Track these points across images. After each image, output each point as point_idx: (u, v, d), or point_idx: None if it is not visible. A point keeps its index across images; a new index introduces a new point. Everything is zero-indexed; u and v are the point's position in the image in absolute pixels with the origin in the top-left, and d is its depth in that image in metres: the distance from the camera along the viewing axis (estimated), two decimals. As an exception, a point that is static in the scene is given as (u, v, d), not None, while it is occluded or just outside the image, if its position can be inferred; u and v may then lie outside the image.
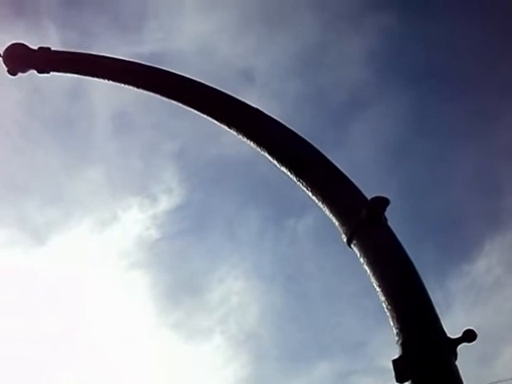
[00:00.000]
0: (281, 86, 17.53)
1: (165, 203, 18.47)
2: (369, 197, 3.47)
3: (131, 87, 4.44)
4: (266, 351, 19.75)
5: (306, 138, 3.82)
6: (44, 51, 4.80)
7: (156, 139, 17.94)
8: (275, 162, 3.76)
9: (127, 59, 4.64)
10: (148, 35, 15.69)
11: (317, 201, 3.61)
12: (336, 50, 17.19)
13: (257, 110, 3.95)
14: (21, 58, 4.86)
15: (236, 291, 19.90)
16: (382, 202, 3.39)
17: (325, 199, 3.54)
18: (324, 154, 3.75)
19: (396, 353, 3.03)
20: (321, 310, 19.66)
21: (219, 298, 19.59)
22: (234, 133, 3.89)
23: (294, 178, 3.68)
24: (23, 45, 4.91)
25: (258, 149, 3.81)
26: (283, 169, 3.75)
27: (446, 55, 16.88)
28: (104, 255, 19.60)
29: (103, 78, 4.54)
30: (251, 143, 3.83)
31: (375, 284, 3.31)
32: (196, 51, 16.40)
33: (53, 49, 4.85)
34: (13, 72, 4.91)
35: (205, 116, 4.20)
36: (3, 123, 16.76)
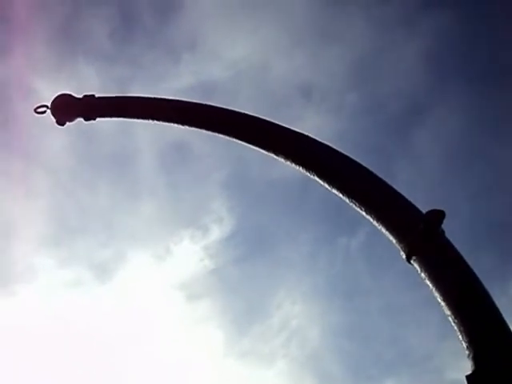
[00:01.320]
0: (338, 99, 17.44)
1: (216, 233, 18.56)
2: (424, 210, 3.45)
3: (176, 125, 4.53)
4: (330, 372, 19.50)
5: (355, 158, 3.83)
6: (89, 99, 4.93)
7: (202, 170, 18.10)
8: (326, 185, 3.77)
9: (170, 98, 4.74)
10: (194, 64, 16.01)
11: (371, 220, 3.60)
12: (391, 56, 16.94)
13: (302, 134, 3.97)
14: (67, 108, 5.00)
15: (295, 315, 19.77)
16: (437, 215, 3.36)
17: (379, 218, 3.53)
18: (374, 171, 3.75)
19: (466, 364, 2.97)
20: (382, 326, 19.34)
21: (279, 323, 19.48)
22: (282, 160, 3.92)
23: (347, 199, 3.68)
24: (68, 95, 5.06)
25: (308, 173, 3.83)
26: (334, 191, 3.76)
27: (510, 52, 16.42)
28: (160, 290, 19.74)
29: (148, 118, 4.64)
30: (300, 168, 3.85)
31: (439, 298, 3.27)
32: (249, 72, 16.58)
33: (97, 95, 4.98)
34: (61, 122, 5.06)
35: (252, 146, 4.24)
36: (53, 168, 17.23)
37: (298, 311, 19.58)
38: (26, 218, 17.55)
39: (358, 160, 3.84)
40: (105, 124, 5.29)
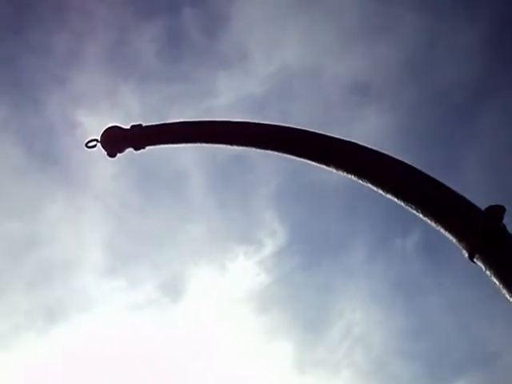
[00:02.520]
0: (396, 94, 17.21)
1: (270, 246, 18.58)
2: (483, 207, 3.41)
3: (225, 145, 4.58)
4: (398, 378, 19.22)
5: (405, 160, 3.81)
6: (137, 129, 5.01)
7: (250, 185, 18.18)
8: (380, 191, 3.76)
9: (216, 120, 4.79)
10: (246, 74, 16.13)
11: (429, 221, 3.57)
12: (447, 45, 16.56)
13: (352, 143, 3.97)
14: (117, 140, 5.09)
15: (356, 322, 19.58)
16: (497, 211, 3.31)
17: (438, 218, 3.49)
18: (426, 173, 3.72)
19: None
20: (446, 326, 18.98)
21: (341, 331, 19.33)
22: (333, 170, 3.92)
23: (402, 203, 3.66)
24: (116, 127, 5.14)
25: (360, 181, 3.82)
26: (389, 196, 3.74)
27: None
28: (219, 307, 19.83)
29: (197, 142, 4.70)
30: (353, 177, 3.85)
31: (507, 295, 3.21)
32: (302, 76, 16.62)
33: (144, 124, 5.06)
34: (112, 154, 5.15)
35: (302, 160, 4.26)
36: (104, 198, 17.56)
37: (359, 318, 19.41)
38: (87, 248, 17.94)
39: (408, 162, 3.82)
40: (151, 150, 5.37)
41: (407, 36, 16.57)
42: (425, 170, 3.73)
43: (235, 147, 4.64)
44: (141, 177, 16.96)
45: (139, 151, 5.10)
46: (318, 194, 17.65)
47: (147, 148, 5.09)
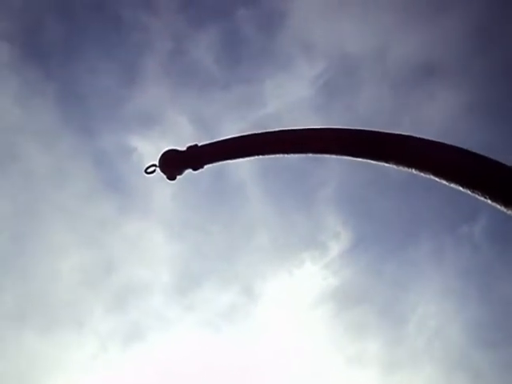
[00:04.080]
0: (462, 70, 16.84)
1: (336, 249, 18.51)
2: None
3: (282, 155, 4.60)
4: (482, 370, 18.77)
5: (465, 147, 3.75)
6: (193, 149, 5.06)
7: (308, 190, 18.16)
8: (443, 181, 3.71)
9: (272, 130, 4.80)
10: (312, 65, 16.08)
11: (499, 206, 3.50)
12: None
13: (408, 136, 3.93)
14: (175, 163, 5.14)
15: (431, 315, 19.26)
16: None
17: (508, 203, 3.43)
18: (489, 156, 3.65)
19: None
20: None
21: (416, 326, 19.04)
22: (394, 166, 3.89)
23: (468, 191, 3.60)
24: (173, 150, 5.20)
25: (422, 174, 3.78)
26: (453, 185, 3.69)
27: None
28: (292, 316, 19.80)
29: (253, 155, 4.73)
30: (413, 171, 3.81)
31: None
32: (368, 60, 16.50)
33: (199, 144, 5.12)
34: (172, 178, 5.21)
35: (358, 159, 4.24)
36: (163, 219, 17.80)
37: (433, 311, 19.09)
38: (156, 269, 18.23)
39: (468, 148, 3.76)
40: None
41: (470, 9, 16.14)
42: (497, 149, 3.66)
43: (292, 155, 4.65)
44: (199, 195, 17.18)
45: (198, 171, 5.15)
46: (377, 191, 17.50)
47: (205, 167, 5.13)
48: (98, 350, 18.11)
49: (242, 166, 15.90)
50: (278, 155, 4.71)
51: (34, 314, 17.74)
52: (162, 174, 5.30)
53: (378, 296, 19.27)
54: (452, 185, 3.70)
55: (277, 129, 4.77)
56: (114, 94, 17.08)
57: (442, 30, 16.20)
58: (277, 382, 18.70)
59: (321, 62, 16.76)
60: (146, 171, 5.33)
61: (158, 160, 5.28)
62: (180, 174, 5.23)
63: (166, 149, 5.22)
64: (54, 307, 17.87)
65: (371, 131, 4.12)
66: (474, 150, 3.70)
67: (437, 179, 3.76)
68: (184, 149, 5.16)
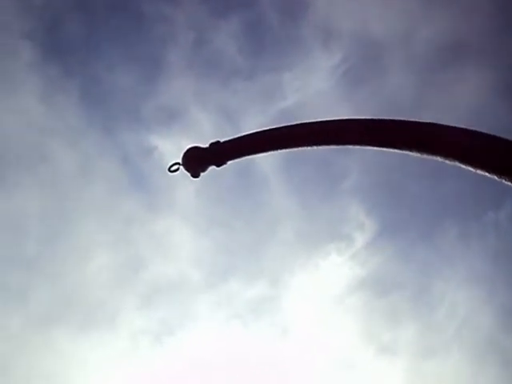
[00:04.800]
0: (496, 46, 16.57)
1: (361, 239, 18.42)
2: None
3: (304, 147, 4.59)
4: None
5: (494, 132, 3.70)
6: (216, 146, 5.05)
7: (330, 182, 18.10)
8: (470, 168, 3.67)
9: (289, 124, 4.78)
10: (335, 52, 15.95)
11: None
12: None
13: (432, 123, 3.89)
14: (198, 160, 5.14)
15: (460, 302, 19.10)
16: None
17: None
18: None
19: None
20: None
21: (445, 314, 18.90)
22: (419, 155, 3.86)
23: (495, 177, 3.57)
24: (196, 147, 5.19)
25: (448, 161, 3.75)
26: (479, 171, 3.65)
27: None
28: (318, 307, 19.76)
29: (276, 149, 4.72)
30: (439, 158, 3.78)
31: None
32: (393, 42, 16.33)
33: (222, 140, 5.10)
34: (195, 175, 5.21)
35: (381, 149, 4.21)
36: (188, 216, 17.88)
37: (462, 298, 18.93)
38: (183, 266, 18.33)
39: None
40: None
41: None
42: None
43: (314, 147, 4.63)
44: (222, 190, 17.21)
45: (221, 167, 5.14)
46: (400, 179, 17.38)
47: (228, 163, 5.12)
48: (131, 346, 18.27)
49: (264, 160, 15.90)
50: (300, 148, 4.70)
51: (68, 314, 17.95)
52: (185, 172, 5.29)
53: (406, 284, 19.15)
54: (478, 171, 3.66)
55: (298, 121, 4.75)
56: (136, 90, 17.13)
57: (469, 8, 15.97)
58: (308, 375, 18.70)
59: (344, 49, 16.65)
60: (169, 170, 5.32)
61: (181, 158, 5.27)
62: (203, 171, 5.21)
63: (189, 146, 5.20)
64: (87, 306, 18.06)
65: (394, 120, 4.08)
66: (502, 136, 3.65)
67: (463, 166, 3.72)
68: (207, 146, 5.15)
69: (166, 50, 17.08)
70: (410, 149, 3.91)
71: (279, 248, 18.60)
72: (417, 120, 3.97)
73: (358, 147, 4.37)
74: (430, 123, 3.90)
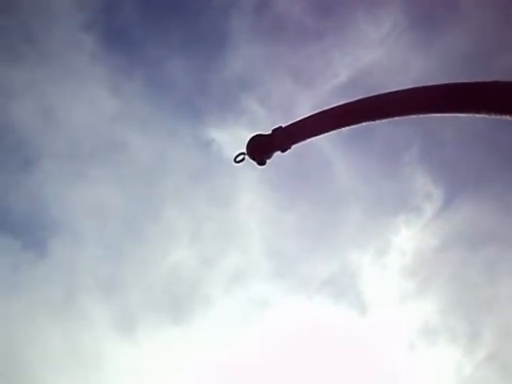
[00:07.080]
0: None
1: (430, 209, 18.12)
2: None
3: (367, 122, 4.58)
4: None
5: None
6: (278, 131, 5.10)
7: (392, 155, 17.86)
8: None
9: (347, 101, 4.77)
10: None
11: None
12: None
13: (496, 82, 3.81)
14: (263, 147, 5.19)
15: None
16: None
17: None
18: None
19: None
20: None
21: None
22: (487, 116, 3.79)
23: None
24: (259, 135, 5.24)
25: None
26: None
27: None
28: (391, 286, 19.56)
29: (339, 127, 4.72)
30: (508, 117, 3.70)
31: None
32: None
33: (283, 126, 5.14)
34: (261, 162, 5.27)
35: (444, 114, 4.16)
36: (253, 204, 18.00)
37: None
38: (253, 256, 18.50)
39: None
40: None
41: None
42: None
43: (376, 121, 4.61)
44: (283, 175, 17.23)
45: (286, 152, 5.19)
46: (462, 145, 17.00)
47: (293, 147, 5.16)
48: (222, 332, 18.48)
49: (323, 140, 15.81)
50: (363, 123, 4.68)
51: (162, 304, 18.34)
52: (251, 160, 5.35)
53: (482, 250, 18.73)
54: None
55: (357, 97, 4.74)
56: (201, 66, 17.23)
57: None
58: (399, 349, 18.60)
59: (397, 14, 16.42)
60: (235, 160, 5.38)
61: (245, 147, 5.33)
62: (269, 157, 5.27)
63: (252, 135, 5.27)
64: (178, 296, 18.42)
65: (457, 83, 4.02)
66: None
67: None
68: (269, 132, 5.20)
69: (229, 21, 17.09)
70: (474, 111, 3.85)
71: (348, 228, 18.51)
72: (479, 80, 3.90)
73: (415, 117, 4.33)
74: (493, 81, 3.81)
